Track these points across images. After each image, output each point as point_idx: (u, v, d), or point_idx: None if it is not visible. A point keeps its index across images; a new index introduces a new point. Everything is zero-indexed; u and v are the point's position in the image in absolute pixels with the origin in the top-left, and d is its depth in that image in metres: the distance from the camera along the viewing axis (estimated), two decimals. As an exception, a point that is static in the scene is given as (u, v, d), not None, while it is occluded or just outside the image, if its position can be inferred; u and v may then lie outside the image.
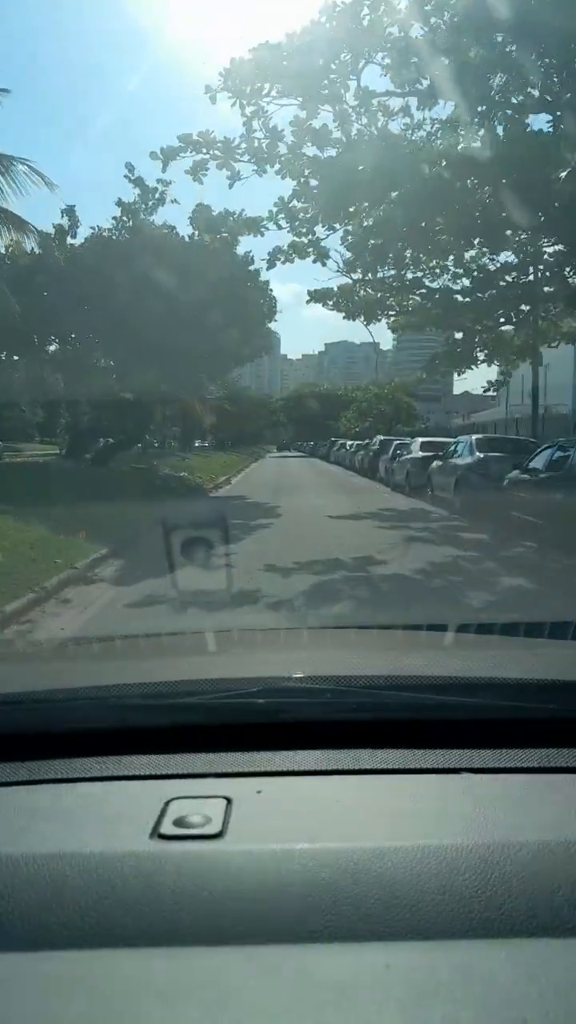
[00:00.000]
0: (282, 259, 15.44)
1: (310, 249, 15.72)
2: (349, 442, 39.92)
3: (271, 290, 21.49)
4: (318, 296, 19.58)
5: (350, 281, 18.22)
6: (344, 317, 20.45)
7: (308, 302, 19.97)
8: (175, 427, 53.69)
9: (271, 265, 15.46)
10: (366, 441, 32.71)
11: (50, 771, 1.02)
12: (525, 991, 0.67)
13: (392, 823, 0.90)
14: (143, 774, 1.01)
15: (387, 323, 20.85)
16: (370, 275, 17.94)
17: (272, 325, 23.54)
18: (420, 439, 20.04)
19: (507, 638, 2.27)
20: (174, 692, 1.14)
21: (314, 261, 16.42)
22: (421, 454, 18.30)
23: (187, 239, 19.44)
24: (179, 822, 0.88)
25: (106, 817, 0.94)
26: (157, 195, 22.46)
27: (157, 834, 0.87)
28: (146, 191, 21.95)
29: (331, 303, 19.73)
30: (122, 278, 18.10)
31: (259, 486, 22.23)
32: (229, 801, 0.92)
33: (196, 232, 18.03)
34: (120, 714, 1.11)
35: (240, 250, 20.42)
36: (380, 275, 17.61)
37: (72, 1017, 0.66)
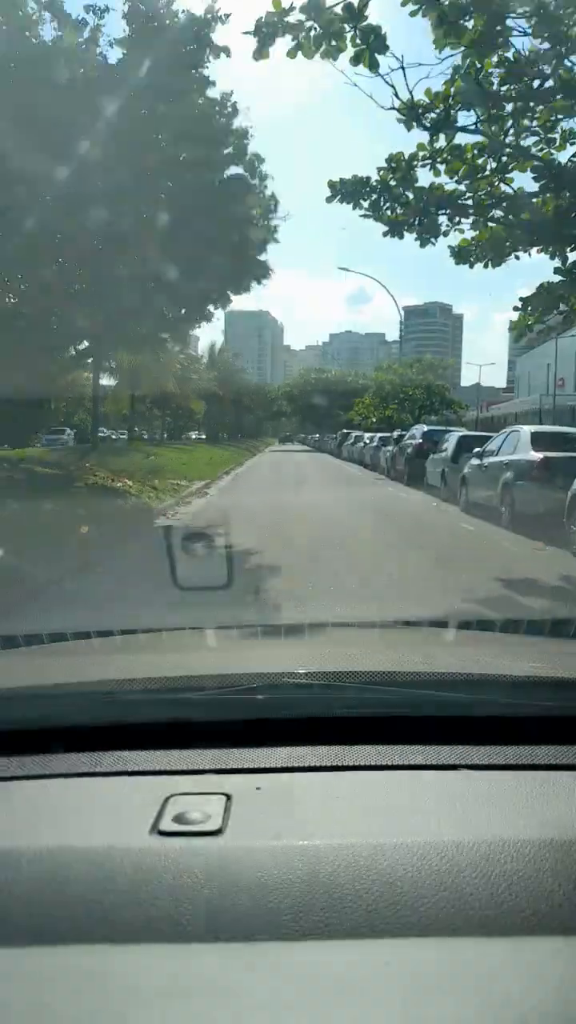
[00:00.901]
0: (289, 34, 7.03)
1: (346, 26, 7.19)
2: (368, 435, 32.15)
3: (267, 175, 13.13)
4: (347, 191, 11.10)
5: (405, 150, 10.19)
6: (385, 233, 11.79)
7: (329, 200, 11.39)
8: (167, 417, 46.23)
9: (263, 42, 7.08)
10: (395, 433, 24.78)
11: (50, 766, 1.01)
12: (525, 989, 0.67)
13: (392, 819, 0.90)
14: (143, 770, 1.00)
15: (454, 245, 12.46)
16: (443, 136, 9.81)
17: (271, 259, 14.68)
18: (528, 428, 11.51)
19: (507, 635, 2.24)
20: (174, 687, 1.14)
21: (355, 59, 8.07)
22: (536, 456, 10.11)
23: (116, 61, 11.10)
24: (179, 818, 0.88)
25: (106, 813, 0.94)
26: (87, 33, 14.29)
27: (157, 830, 0.86)
28: (68, 23, 13.68)
29: (366, 204, 11.45)
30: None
31: (248, 504, 13.92)
32: (229, 798, 0.91)
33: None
34: (120, 709, 1.10)
35: (217, 92, 12.12)
36: (471, 126, 9.50)
37: (71, 1012, 0.66)
